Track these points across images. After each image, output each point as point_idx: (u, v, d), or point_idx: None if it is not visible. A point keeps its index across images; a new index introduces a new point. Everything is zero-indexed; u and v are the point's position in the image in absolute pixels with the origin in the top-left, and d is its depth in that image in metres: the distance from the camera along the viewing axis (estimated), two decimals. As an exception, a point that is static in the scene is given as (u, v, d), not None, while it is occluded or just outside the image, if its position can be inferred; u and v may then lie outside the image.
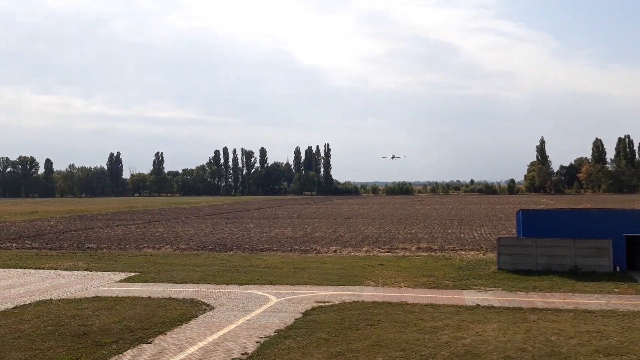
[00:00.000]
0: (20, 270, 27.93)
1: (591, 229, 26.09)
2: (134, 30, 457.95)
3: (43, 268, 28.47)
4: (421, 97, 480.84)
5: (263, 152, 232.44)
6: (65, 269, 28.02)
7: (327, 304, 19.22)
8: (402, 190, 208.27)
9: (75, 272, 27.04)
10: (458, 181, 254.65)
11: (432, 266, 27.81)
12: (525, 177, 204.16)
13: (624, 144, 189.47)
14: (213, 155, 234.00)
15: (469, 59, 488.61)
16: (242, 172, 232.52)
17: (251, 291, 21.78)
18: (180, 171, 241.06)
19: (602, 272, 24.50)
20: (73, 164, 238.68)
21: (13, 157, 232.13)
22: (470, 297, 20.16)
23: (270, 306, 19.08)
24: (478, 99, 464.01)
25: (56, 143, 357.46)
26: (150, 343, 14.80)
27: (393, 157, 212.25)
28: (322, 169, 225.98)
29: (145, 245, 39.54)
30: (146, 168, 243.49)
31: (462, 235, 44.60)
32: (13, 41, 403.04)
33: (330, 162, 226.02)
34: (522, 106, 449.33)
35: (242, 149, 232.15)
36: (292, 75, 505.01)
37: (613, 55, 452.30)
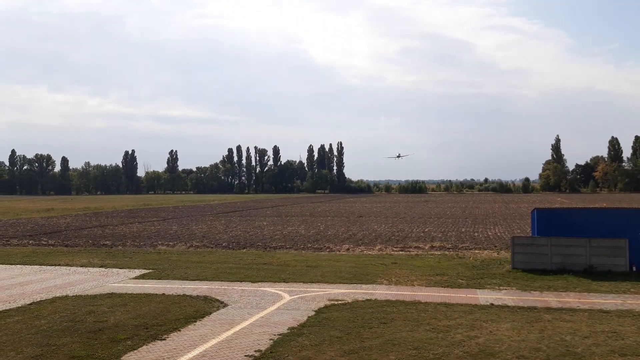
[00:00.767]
0: (37, 266, 28.28)
1: (607, 228, 25.80)
2: (146, 29, 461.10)
3: (59, 265, 28.80)
4: (434, 95, 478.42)
5: (276, 151, 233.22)
6: (81, 266, 28.33)
7: (340, 302, 19.23)
8: (415, 188, 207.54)
9: (91, 269, 27.33)
10: (472, 179, 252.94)
11: (445, 265, 27.70)
12: (540, 175, 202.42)
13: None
14: (227, 153, 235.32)
15: (482, 57, 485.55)
16: (256, 171, 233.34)
17: (264, 289, 21.86)
18: (194, 169, 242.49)
19: (617, 271, 24.24)
20: (88, 162, 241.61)
21: (29, 155, 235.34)
22: (484, 296, 20.05)
23: (283, 304, 19.14)
24: (491, 97, 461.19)
25: (71, 141, 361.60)
26: (164, 339, 14.92)
27: (399, 156, 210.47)
28: (335, 167, 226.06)
29: (160, 242, 39.83)
30: (160, 166, 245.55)
31: (476, 234, 44.35)
32: (27, 41, 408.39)
33: (343, 161, 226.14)
34: (536, 104, 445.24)
35: (256, 147, 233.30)
36: (305, 73, 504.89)
37: (629, 52, 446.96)
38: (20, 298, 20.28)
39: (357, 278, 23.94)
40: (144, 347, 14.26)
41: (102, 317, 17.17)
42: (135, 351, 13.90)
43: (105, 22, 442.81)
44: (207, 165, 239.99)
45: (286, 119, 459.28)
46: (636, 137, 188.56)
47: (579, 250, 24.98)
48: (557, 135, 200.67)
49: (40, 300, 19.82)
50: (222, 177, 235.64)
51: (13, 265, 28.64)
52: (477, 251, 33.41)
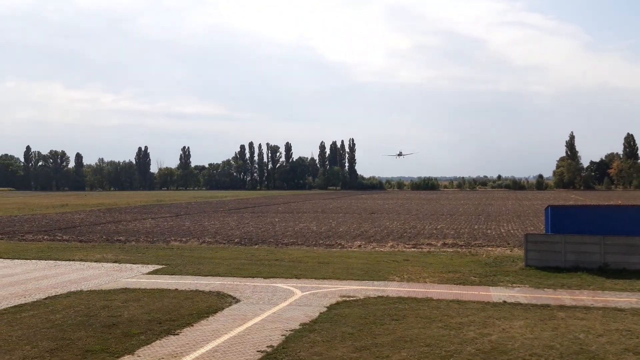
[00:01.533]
0: (52, 261, 28.59)
1: (622, 225, 25.56)
2: (160, 27, 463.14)
3: (73, 260, 29.10)
4: (447, 92, 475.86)
5: (288, 147, 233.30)
6: (95, 261, 28.60)
7: (351, 298, 19.25)
8: (427, 185, 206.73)
9: (105, 264, 27.58)
10: (485, 176, 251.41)
11: (458, 262, 27.59)
12: (554, 172, 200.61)
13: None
14: (239, 150, 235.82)
15: (496, 53, 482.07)
16: (268, 167, 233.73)
17: (276, 285, 21.92)
18: (207, 166, 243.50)
19: (632, 269, 23.98)
20: (102, 158, 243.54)
21: (44, 152, 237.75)
22: (497, 294, 19.95)
23: (295, 300, 19.19)
24: (505, 94, 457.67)
25: (85, 137, 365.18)
26: (177, 334, 15.03)
27: (400, 155, 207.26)
28: (346, 164, 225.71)
29: (173, 238, 40.08)
30: (173, 162, 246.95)
31: (488, 231, 44.13)
32: (42, 38, 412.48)
33: (355, 157, 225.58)
34: (551, 101, 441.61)
35: (268, 144, 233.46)
36: (317, 70, 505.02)
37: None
38: (36, 292, 20.53)
39: (368, 275, 23.93)
40: (157, 341, 14.38)
41: (116, 312, 17.33)
42: (149, 346, 14.02)
43: (119, 20, 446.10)
44: (220, 162, 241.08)
45: (298, 116, 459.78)
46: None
47: (593, 247, 24.76)
48: (572, 132, 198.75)
49: (55, 295, 20.05)
50: (234, 174, 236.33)
51: (28, 260, 28.99)
52: (489, 248, 33.25)
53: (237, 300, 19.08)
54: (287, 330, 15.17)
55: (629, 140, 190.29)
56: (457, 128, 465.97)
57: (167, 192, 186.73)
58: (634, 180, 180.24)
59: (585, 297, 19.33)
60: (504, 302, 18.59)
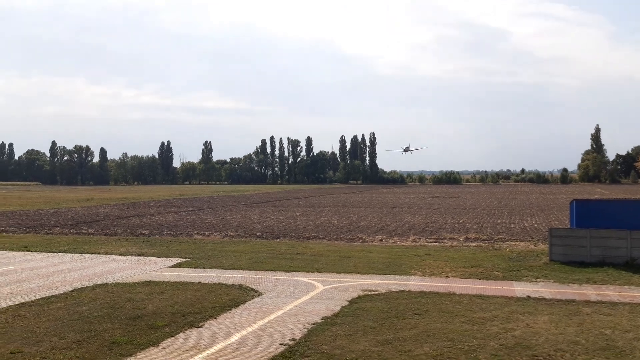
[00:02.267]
0: (78, 254, 29.10)
1: (649, 220, 25.05)
2: (181, 22, 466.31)
3: (99, 253, 29.57)
4: (468, 84, 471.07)
5: (309, 141, 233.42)
6: (120, 254, 29.02)
7: (373, 292, 19.22)
8: (449, 179, 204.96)
9: (129, 257, 27.97)
10: (508, 170, 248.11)
11: (480, 257, 27.36)
12: (579, 166, 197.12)
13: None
14: (260, 144, 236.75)
15: (518, 45, 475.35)
16: (288, 161, 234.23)
17: (298, 278, 22.00)
18: (228, 160, 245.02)
19: (660, 265, 23.52)
20: (126, 153, 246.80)
21: (69, 146, 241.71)
22: (521, 289, 19.75)
23: (317, 293, 19.24)
24: (528, 86, 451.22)
25: (109, 132, 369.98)
26: (201, 327, 15.19)
27: (407, 150, 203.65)
28: (367, 158, 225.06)
29: (196, 232, 40.47)
30: (195, 157, 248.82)
31: (512, 226, 43.64)
32: (65, 33, 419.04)
33: (376, 151, 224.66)
34: (575, 93, 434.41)
35: (288, 138, 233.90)
36: (336, 63, 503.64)
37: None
38: (62, 285, 20.92)
39: (390, 269, 23.87)
40: (181, 334, 14.55)
41: (140, 304, 17.58)
42: (173, 337, 14.20)
43: (141, 15, 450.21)
44: (241, 156, 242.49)
45: (319, 110, 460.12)
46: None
47: (619, 242, 24.32)
48: (597, 125, 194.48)
49: (81, 287, 20.41)
50: (256, 168, 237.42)
51: (55, 253, 29.55)
52: (513, 243, 32.89)
53: (259, 294, 19.20)
54: (309, 324, 15.23)
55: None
56: (479, 121, 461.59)
57: (190, 187, 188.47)
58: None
59: (611, 293, 19.03)
60: (528, 297, 18.39)
